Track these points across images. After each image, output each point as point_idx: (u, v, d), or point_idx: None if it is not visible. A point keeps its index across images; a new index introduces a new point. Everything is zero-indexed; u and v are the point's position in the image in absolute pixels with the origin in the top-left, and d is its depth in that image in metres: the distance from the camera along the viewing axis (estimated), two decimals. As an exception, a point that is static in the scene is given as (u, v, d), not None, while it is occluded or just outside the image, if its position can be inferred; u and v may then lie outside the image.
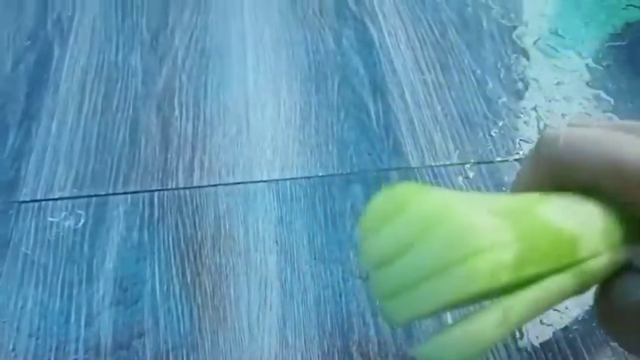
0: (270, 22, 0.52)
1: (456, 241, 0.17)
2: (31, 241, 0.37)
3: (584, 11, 0.53)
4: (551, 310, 0.34)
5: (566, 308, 0.34)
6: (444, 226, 0.17)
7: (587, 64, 0.48)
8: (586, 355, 0.32)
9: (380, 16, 0.52)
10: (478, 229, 0.17)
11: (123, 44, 0.50)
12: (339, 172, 0.40)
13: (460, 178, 0.40)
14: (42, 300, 0.35)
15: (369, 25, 0.51)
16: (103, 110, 0.44)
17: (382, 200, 0.19)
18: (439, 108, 0.45)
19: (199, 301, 0.34)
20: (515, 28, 0.51)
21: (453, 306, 0.18)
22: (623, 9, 0.53)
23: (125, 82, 0.46)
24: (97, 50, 0.49)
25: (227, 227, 0.38)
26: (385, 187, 0.19)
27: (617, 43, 0.50)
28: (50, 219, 0.38)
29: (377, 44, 0.49)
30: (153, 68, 0.47)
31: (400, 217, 0.18)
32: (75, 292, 0.35)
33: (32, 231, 0.38)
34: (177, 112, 0.44)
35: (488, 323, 0.17)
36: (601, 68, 0.48)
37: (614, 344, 0.32)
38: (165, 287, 0.35)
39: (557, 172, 0.20)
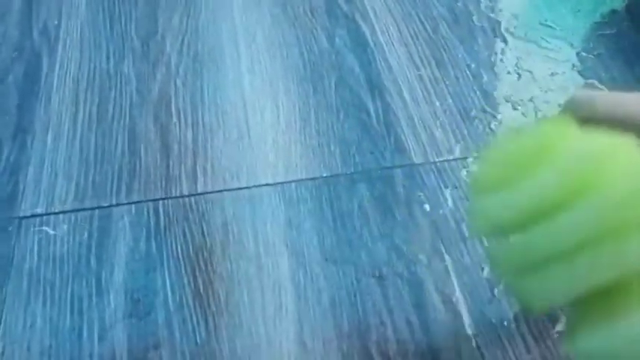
0: (261, 23, 0.51)
1: None
2: (35, 258, 0.36)
3: (572, 1, 0.53)
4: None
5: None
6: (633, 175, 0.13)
7: (578, 54, 0.49)
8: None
9: (371, 14, 0.52)
10: None
11: (113, 52, 0.49)
12: (344, 171, 0.40)
13: (464, 172, 0.41)
14: (51, 317, 0.34)
15: (361, 23, 0.51)
16: (99, 120, 0.44)
17: (514, 145, 0.15)
18: (437, 103, 0.45)
19: (214, 309, 0.34)
20: (505, 21, 0.52)
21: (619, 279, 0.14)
22: (609, -2, 0.54)
23: (119, 91, 0.46)
24: (87, 59, 0.48)
25: (235, 233, 0.37)
26: (509, 133, 0.15)
27: (607, 32, 0.51)
28: (53, 233, 0.38)
29: (370, 42, 0.49)
30: (146, 75, 0.47)
31: (548, 164, 0.14)
32: (85, 306, 0.34)
33: (35, 247, 0.37)
34: (175, 119, 0.44)
35: None
36: (592, 57, 0.49)
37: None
38: (177, 297, 0.35)
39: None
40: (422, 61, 0.48)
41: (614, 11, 0.53)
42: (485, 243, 0.14)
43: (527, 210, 0.14)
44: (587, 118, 0.22)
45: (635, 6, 0.53)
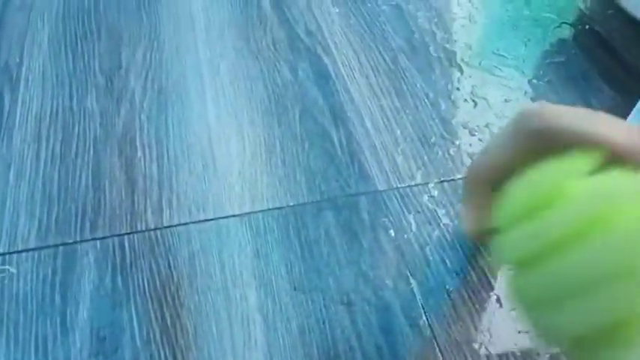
0: (225, 57, 0.52)
1: None
2: (-3, 298, 0.36)
3: (522, 31, 0.56)
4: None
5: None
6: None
7: (530, 81, 0.51)
8: (563, 358, 0.34)
9: (332, 47, 0.53)
10: None
11: (77, 88, 0.49)
12: (310, 200, 0.41)
13: (425, 197, 0.42)
14: (15, 358, 0.33)
15: (323, 56, 0.52)
16: (63, 156, 0.43)
17: (531, 184, 0.16)
18: (398, 132, 0.46)
19: (182, 344, 0.34)
20: (460, 51, 0.54)
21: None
22: (557, 27, 0.57)
23: (83, 127, 0.46)
24: (49, 96, 0.48)
25: (202, 265, 0.37)
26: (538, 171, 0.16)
27: (556, 60, 0.53)
28: (16, 272, 0.37)
29: (332, 74, 0.51)
30: (110, 110, 0.47)
31: (564, 203, 0.15)
32: (50, 346, 0.34)
33: (-3, 287, 0.36)
34: (139, 153, 0.44)
35: None
36: (543, 84, 0.51)
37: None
38: (145, 332, 0.34)
39: (536, 144, 0.23)
40: (382, 91, 0.50)
41: (562, 40, 0.56)
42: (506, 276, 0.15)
43: (543, 244, 0.15)
44: (537, 130, 0.23)
45: (583, 35, 0.56)
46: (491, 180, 0.24)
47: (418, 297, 0.36)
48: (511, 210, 0.16)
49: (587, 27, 0.57)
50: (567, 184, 0.15)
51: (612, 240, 0.14)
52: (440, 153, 0.45)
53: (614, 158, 0.20)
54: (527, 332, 0.35)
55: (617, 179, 0.15)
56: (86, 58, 0.51)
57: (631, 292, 0.13)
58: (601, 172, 0.16)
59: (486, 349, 0.34)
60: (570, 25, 0.57)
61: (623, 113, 0.47)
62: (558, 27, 0.57)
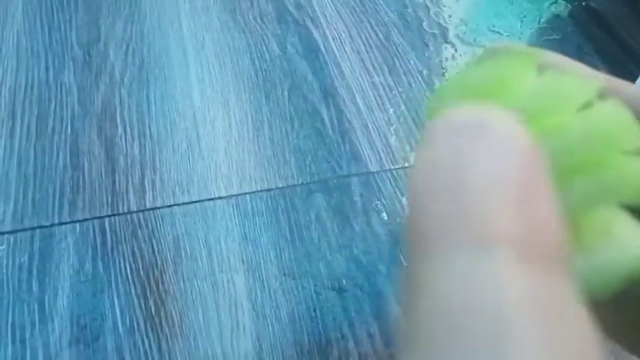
0: (210, 29, 0.50)
1: (611, 134, 0.13)
2: (-30, 284, 0.34)
3: (517, 8, 0.54)
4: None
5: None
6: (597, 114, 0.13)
7: (525, 59, 0.50)
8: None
9: (322, 20, 0.51)
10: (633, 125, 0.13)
11: (53, 61, 0.46)
12: (300, 182, 0.39)
13: (419, 179, 0.40)
14: (-11, 348, 0.32)
15: (312, 29, 0.50)
16: (39, 134, 0.41)
17: (474, 75, 0.15)
18: (391, 110, 0.45)
19: (167, 332, 0.32)
20: (454, 27, 0.52)
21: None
22: (553, 3, 0.55)
23: (60, 102, 0.43)
24: (24, 69, 0.45)
25: (188, 249, 0.36)
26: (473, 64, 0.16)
27: (552, 37, 0.52)
28: (-11, 257, 0.35)
29: (322, 48, 0.49)
30: (89, 85, 0.44)
31: (506, 97, 0.14)
32: (28, 334, 0.32)
33: (-30, 272, 0.34)
34: (120, 131, 0.42)
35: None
36: (539, 62, 0.50)
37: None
38: (127, 320, 0.33)
39: None
40: (374, 67, 0.48)
41: (557, 16, 0.54)
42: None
43: None
44: None
45: (578, 12, 0.55)
46: None
47: (412, 283, 0.35)
48: (447, 98, 0.15)
49: (583, 3, 0.56)
50: (510, 81, 0.14)
51: (556, 140, 0.13)
52: (433, 133, 0.43)
53: None
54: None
55: (565, 79, 0.14)
56: (63, 29, 0.49)
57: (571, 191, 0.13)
58: (545, 73, 0.14)
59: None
60: (566, 1, 0.56)
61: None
62: (554, 3, 0.55)
